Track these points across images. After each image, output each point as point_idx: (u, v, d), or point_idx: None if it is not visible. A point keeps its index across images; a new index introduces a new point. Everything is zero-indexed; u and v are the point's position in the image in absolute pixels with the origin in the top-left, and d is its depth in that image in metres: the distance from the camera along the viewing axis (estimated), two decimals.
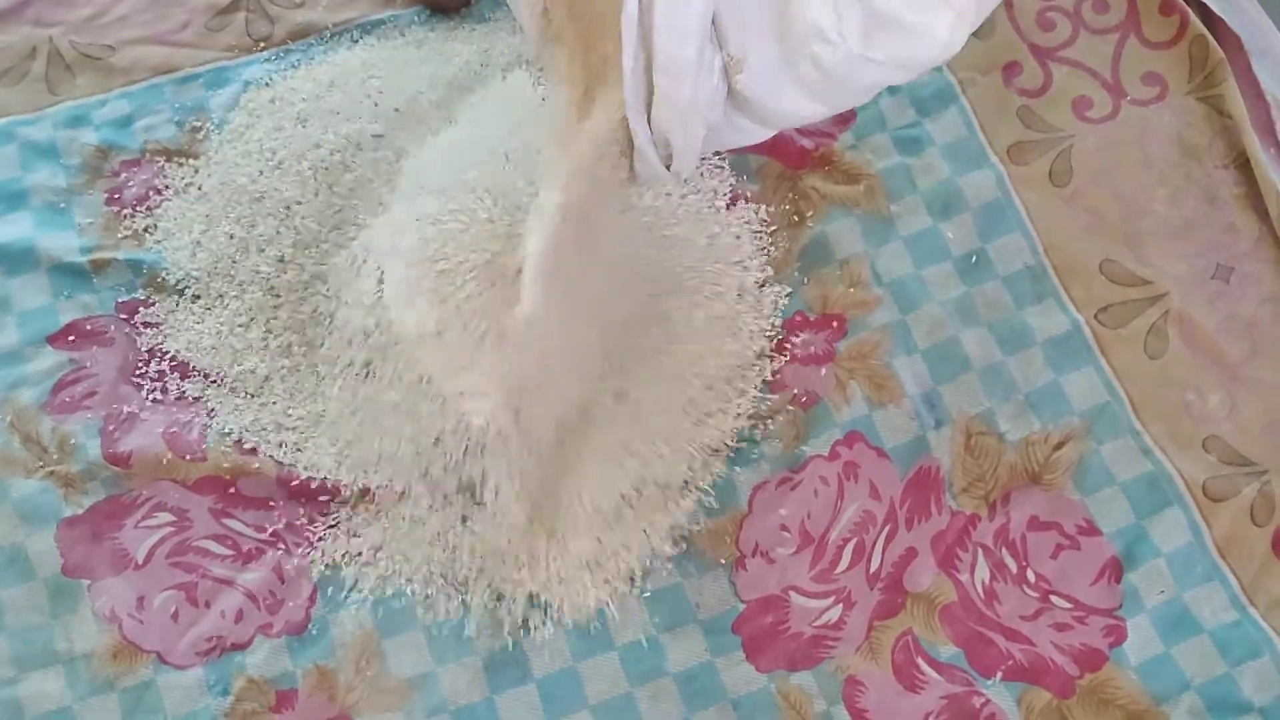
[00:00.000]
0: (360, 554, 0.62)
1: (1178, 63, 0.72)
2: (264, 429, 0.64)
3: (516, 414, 0.59)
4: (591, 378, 0.62)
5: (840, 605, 0.62)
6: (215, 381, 0.65)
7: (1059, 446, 0.64)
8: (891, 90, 0.72)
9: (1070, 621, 0.61)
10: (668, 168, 0.51)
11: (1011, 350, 0.66)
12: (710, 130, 0.50)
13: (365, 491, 0.63)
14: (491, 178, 0.60)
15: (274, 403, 0.65)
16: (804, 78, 0.47)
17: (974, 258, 0.68)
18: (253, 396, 0.65)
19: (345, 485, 0.63)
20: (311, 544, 0.62)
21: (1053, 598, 0.61)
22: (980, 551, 0.62)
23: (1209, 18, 0.71)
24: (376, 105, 0.69)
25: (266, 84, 0.73)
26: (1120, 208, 0.68)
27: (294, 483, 0.63)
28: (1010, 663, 0.60)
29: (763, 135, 0.52)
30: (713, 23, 0.46)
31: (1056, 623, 0.61)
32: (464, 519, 0.61)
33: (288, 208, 0.65)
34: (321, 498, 0.63)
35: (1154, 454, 0.63)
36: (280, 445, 0.64)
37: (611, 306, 0.63)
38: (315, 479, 0.63)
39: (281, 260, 0.64)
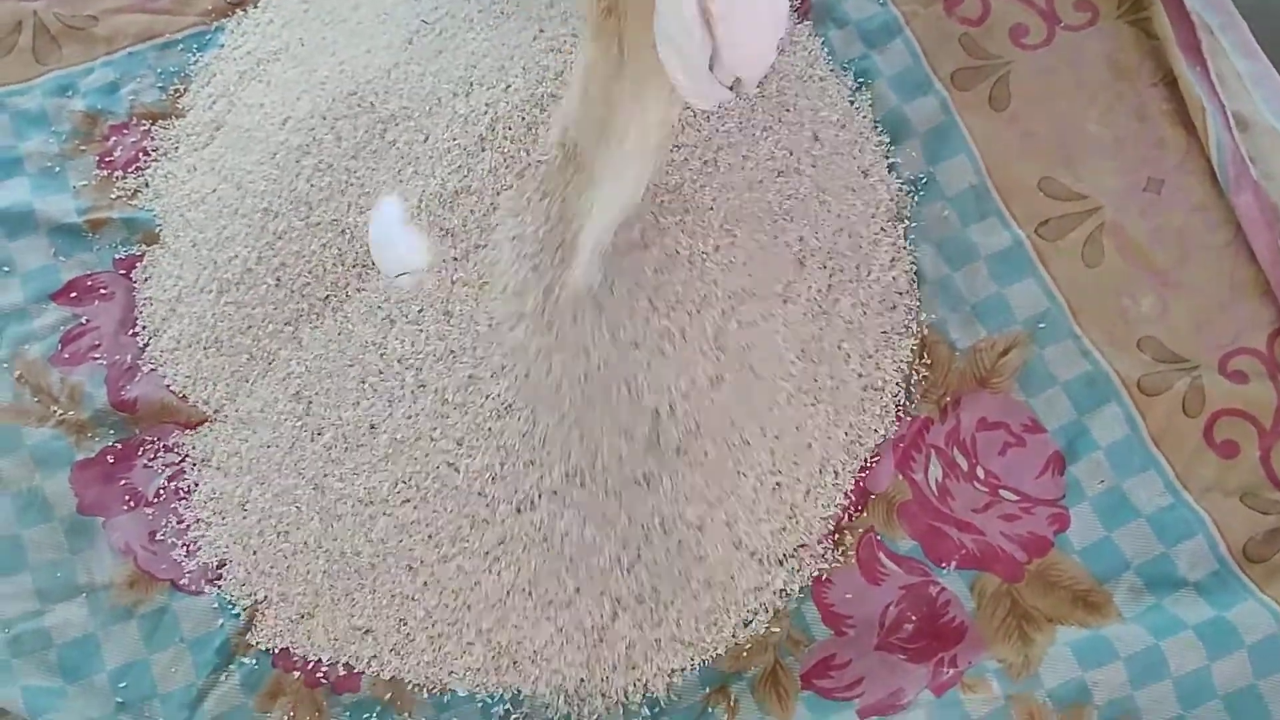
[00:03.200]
0: None
1: None
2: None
3: None
4: None
5: None
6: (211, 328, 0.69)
7: (1005, 353, 0.68)
8: (839, 25, 0.76)
9: (1017, 512, 0.66)
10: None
11: (958, 265, 0.70)
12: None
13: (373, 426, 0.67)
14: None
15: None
16: None
17: (923, 179, 0.72)
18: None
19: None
20: None
21: (1001, 491, 0.66)
22: (933, 452, 0.67)
23: None
24: (356, 62, 0.72)
25: (248, 51, 0.76)
26: (1056, 128, 0.72)
27: None
28: (963, 552, 0.65)
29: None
30: None
31: (1005, 514, 0.66)
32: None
33: (274, 156, 0.68)
34: None
35: (1092, 355, 0.68)
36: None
37: None
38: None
39: (269, 211, 0.68)
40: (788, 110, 0.71)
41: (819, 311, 0.68)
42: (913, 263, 0.71)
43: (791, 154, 0.70)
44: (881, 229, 0.71)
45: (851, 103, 0.74)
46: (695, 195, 0.65)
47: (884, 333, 0.69)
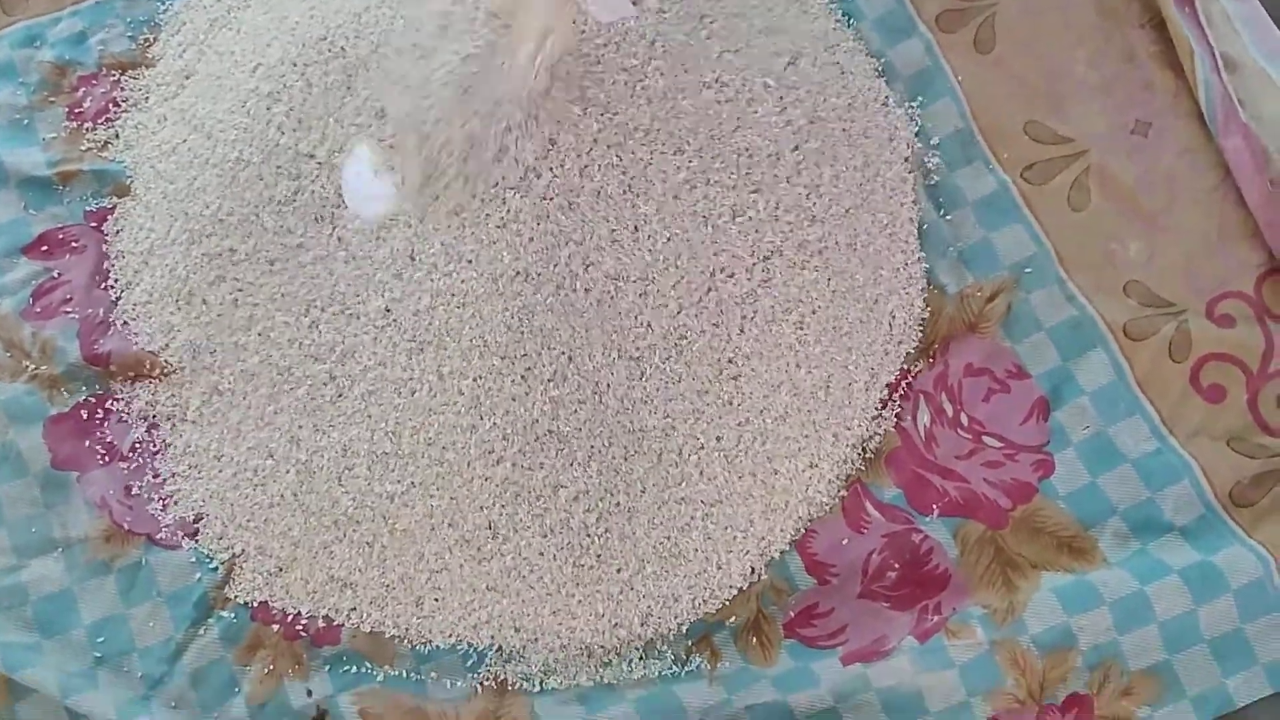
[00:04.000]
0: None
1: None
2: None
3: None
4: None
5: None
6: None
7: (991, 298, 0.68)
8: None
9: (1001, 459, 0.65)
10: None
11: (944, 210, 0.69)
12: None
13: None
14: None
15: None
16: None
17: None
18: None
19: None
20: None
21: (985, 438, 0.65)
22: (922, 398, 0.66)
23: None
24: (327, 6, 0.70)
25: None
26: (1042, 70, 0.71)
27: None
28: (946, 500, 0.65)
29: None
30: None
31: (988, 461, 0.65)
32: None
33: (244, 104, 0.66)
34: None
35: (1078, 300, 0.67)
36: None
37: None
38: None
39: (240, 160, 0.66)
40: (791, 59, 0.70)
41: (827, 252, 0.67)
42: (915, 203, 0.70)
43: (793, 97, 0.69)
44: (890, 166, 0.70)
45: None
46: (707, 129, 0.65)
47: (897, 270, 0.68)
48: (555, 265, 0.61)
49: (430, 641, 0.63)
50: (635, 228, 0.63)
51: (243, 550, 0.64)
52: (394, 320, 0.63)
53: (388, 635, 0.63)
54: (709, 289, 0.64)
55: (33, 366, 0.66)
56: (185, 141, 0.69)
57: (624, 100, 0.63)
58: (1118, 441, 0.65)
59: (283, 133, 0.65)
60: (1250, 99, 0.69)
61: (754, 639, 0.63)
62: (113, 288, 0.68)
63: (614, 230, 0.62)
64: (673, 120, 0.64)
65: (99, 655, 0.62)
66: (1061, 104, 0.70)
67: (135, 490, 0.65)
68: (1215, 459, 0.64)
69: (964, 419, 0.66)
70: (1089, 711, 0.61)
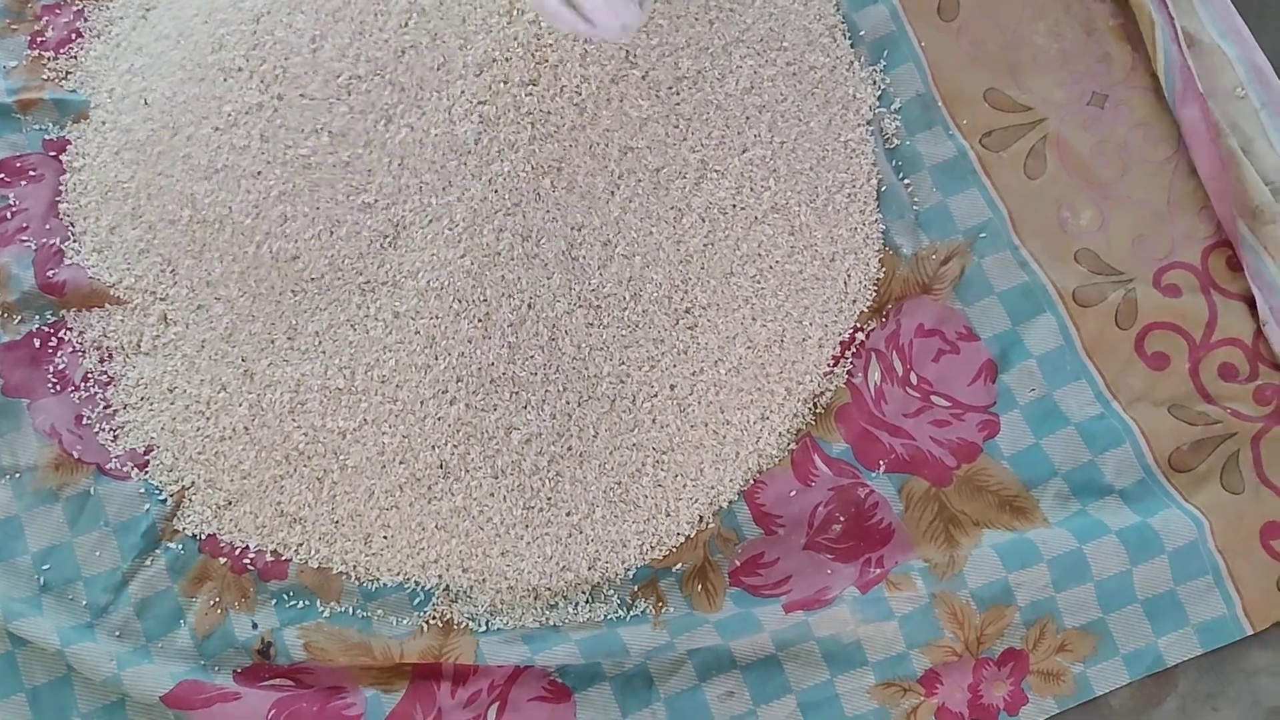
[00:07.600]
0: None
1: None
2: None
3: None
4: None
5: None
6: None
7: (945, 261, 0.69)
8: None
9: (948, 418, 0.66)
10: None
11: (903, 174, 0.70)
12: None
13: None
14: None
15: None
16: None
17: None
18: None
19: None
20: None
21: (933, 397, 0.66)
22: (874, 355, 0.67)
23: None
24: None
25: None
26: (1003, 39, 0.72)
27: None
28: (892, 456, 0.66)
29: None
30: None
31: (936, 419, 0.66)
32: None
33: (209, 38, 0.66)
34: None
35: (1030, 266, 0.68)
36: None
37: None
38: None
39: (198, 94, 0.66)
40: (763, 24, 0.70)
41: (786, 209, 0.67)
42: (874, 165, 0.70)
43: (766, 60, 0.69)
44: (852, 128, 0.70)
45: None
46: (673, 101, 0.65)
47: (854, 230, 0.69)
48: (520, 217, 0.62)
49: (378, 579, 0.64)
50: (600, 180, 0.63)
51: (192, 482, 0.64)
52: (349, 259, 0.63)
53: (335, 571, 0.64)
54: (670, 240, 0.64)
55: None
56: (145, 73, 0.68)
57: (594, 54, 0.63)
58: (1062, 405, 0.66)
59: (247, 62, 0.65)
60: (1206, 75, 0.70)
61: (700, 586, 0.64)
62: (69, 217, 0.68)
63: (579, 182, 0.63)
64: (644, 76, 0.64)
65: (44, 582, 0.62)
66: (1021, 73, 0.71)
67: (86, 419, 0.65)
68: (1156, 424, 0.66)
69: (913, 378, 0.67)
70: (1024, 665, 0.62)
